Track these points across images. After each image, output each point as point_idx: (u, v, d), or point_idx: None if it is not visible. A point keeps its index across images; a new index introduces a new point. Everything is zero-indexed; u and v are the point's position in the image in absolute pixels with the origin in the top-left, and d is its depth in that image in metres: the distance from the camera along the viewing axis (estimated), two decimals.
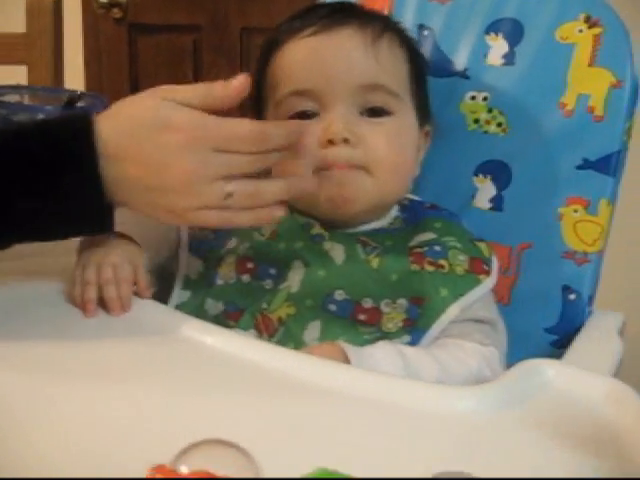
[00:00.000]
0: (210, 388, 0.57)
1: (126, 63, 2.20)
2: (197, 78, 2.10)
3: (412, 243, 0.74)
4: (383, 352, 0.64)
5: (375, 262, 0.71)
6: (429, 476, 0.44)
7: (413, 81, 0.78)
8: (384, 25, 0.77)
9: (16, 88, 0.92)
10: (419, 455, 0.50)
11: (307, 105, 0.73)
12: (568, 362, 0.71)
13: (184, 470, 0.39)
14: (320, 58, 0.73)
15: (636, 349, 0.97)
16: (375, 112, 0.73)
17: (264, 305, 0.71)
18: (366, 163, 0.71)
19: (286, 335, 0.69)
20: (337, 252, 0.72)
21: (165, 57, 2.14)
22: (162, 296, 0.75)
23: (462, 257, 0.73)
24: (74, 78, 2.21)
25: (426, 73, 0.83)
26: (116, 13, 2.17)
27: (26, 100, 0.92)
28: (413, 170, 0.79)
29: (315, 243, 0.73)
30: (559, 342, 0.83)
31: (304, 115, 0.73)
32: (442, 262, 0.72)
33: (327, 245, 0.72)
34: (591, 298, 0.85)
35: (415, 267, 0.71)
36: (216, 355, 0.61)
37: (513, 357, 0.73)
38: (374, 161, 0.72)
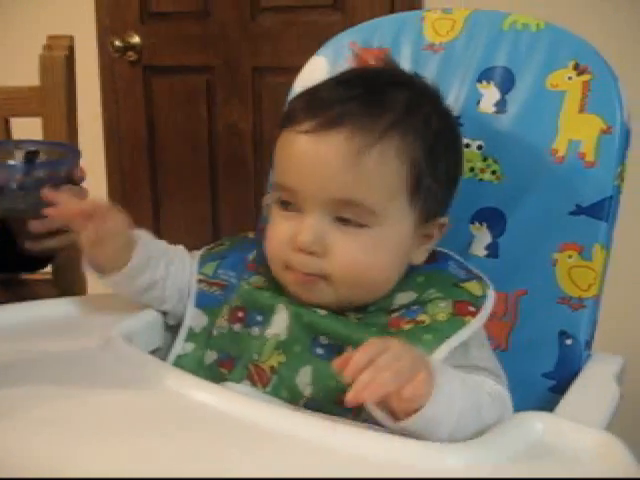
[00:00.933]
0: (204, 447, 0.58)
1: (142, 103, 2.25)
2: (211, 117, 2.14)
3: (393, 307, 0.75)
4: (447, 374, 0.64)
5: (354, 317, 0.74)
6: None
7: (420, 180, 0.74)
8: (389, 125, 0.72)
9: None
10: None
11: (292, 200, 0.75)
12: (562, 411, 0.72)
13: None
14: (304, 160, 0.73)
15: (637, 391, 0.97)
16: (348, 220, 0.72)
17: (255, 356, 0.73)
18: (328, 274, 0.73)
19: (279, 383, 0.71)
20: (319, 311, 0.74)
21: (179, 97, 2.19)
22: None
23: (443, 304, 0.73)
24: (92, 120, 2.27)
25: (454, 159, 0.80)
26: (131, 56, 2.22)
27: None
28: (394, 273, 0.76)
29: (299, 298, 0.75)
30: (557, 387, 0.84)
31: (287, 204, 0.75)
32: (421, 317, 0.72)
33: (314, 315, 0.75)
34: (588, 342, 0.85)
35: (392, 329, 0.72)
36: (209, 413, 0.63)
37: (514, 402, 0.74)
38: (336, 274, 0.72)
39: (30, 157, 0.83)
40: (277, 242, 0.75)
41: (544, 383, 0.85)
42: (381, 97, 0.74)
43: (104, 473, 0.54)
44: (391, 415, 0.61)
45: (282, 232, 0.75)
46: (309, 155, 0.72)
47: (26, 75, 1.45)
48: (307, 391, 0.70)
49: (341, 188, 0.71)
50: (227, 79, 2.09)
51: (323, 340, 0.73)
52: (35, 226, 0.85)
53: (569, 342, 0.85)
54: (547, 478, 0.58)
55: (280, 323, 0.74)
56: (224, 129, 2.12)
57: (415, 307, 0.74)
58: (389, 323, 0.73)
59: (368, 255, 0.73)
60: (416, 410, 0.59)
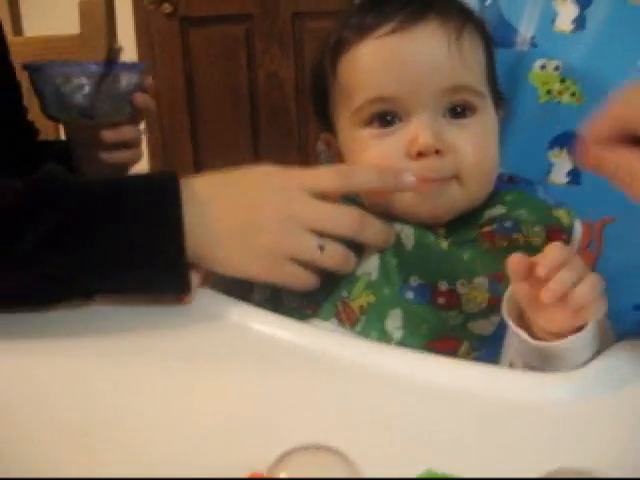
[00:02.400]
0: (296, 387, 0.56)
1: (179, 57, 2.21)
2: (250, 67, 2.09)
3: (482, 220, 0.71)
4: None
5: (445, 243, 0.69)
6: (543, 474, 0.41)
7: (490, 66, 0.75)
8: (465, 17, 0.73)
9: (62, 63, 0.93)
10: (522, 450, 0.49)
11: (388, 110, 0.70)
12: None
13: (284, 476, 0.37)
14: (402, 61, 0.69)
15: None
16: (458, 112, 0.70)
17: (344, 293, 0.69)
18: (458, 172, 0.69)
19: (368, 324, 0.68)
20: (407, 235, 0.70)
21: (218, 48, 2.14)
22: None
23: (537, 228, 0.69)
24: None
25: (494, 55, 0.79)
26: (167, 8, 2.18)
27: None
28: (498, 165, 0.75)
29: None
30: None
31: (384, 120, 0.70)
32: (516, 236, 0.69)
33: (398, 227, 0.70)
34: None
35: (487, 245, 0.68)
36: (300, 352, 0.60)
37: None
38: (466, 169, 0.69)
39: (112, 55, 0.82)
40: (387, 161, 0.69)
41: (636, 316, 0.81)
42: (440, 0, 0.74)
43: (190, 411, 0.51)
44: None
45: (388, 149, 0.69)
46: (407, 52, 0.69)
47: (66, 23, 1.42)
48: (397, 334, 0.67)
49: (450, 75, 0.69)
50: (266, 27, 2.05)
51: (413, 282, 0.68)
52: (108, 136, 0.85)
53: None
54: None
55: (371, 262, 0.69)
56: (265, 79, 2.08)
57: (508, 223, 0.70)
58: (482, 236, 0.69)
59: (486, 143, 0.72)
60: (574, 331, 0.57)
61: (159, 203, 0.63)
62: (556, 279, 0.55)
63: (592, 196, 0.83)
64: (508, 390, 0.55)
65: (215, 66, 2.15)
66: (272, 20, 2.02)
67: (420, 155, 0.68)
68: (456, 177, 0.69)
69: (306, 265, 0.66)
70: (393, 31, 0.69)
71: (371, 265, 0.69)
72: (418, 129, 0.68)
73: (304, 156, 1.93)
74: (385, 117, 0.70)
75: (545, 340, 0.58)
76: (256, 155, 2.15)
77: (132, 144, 0.90)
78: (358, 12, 0.75)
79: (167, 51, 2.23)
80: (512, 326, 0.59)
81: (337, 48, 0.74)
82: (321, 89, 0.78)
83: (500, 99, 0.78)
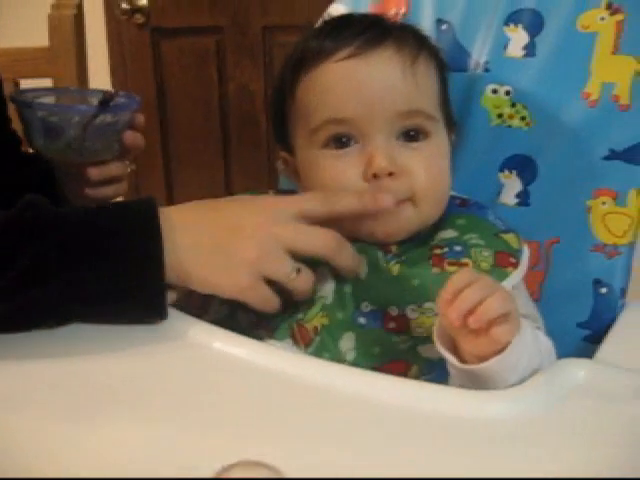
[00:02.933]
0: (251, 404, 0.57)
1: (151, 67, 2.22)
2: (221, 79, 2.11)
3: (433, 242, 0.73)
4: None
5: (395, 269, 0.71)
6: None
7: (443, 93, 0.77)
8: (420, 43, 0.75)
9: (51, 90, 0.93)
10: (450, 462, 0.50)
11: (344, 132, 0.72)
12: (600, 359, 0.70)
13: None
14: (358, 84, 0.71)
15: None
16: (412, 136, 0.72)
17: (300, 315, 0.70)
18: (411, 195, 0.71)
19: (322, 345, 0.69)
20: (361, 265, 0.71)
21: (189, 59, 2.15)
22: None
23: (486, 253, 0.71)
24: (100, 85, 2.23)
25: (448, 82, 0.81)
26: (138, 19, 2.18)
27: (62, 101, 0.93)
28: (449, 187, 0.77)
29: None
30: (592, 337, 0.82)
31: (340, 142, 0.72)
32: (465, 260, 0.70)
33: None
34: (623, 291, 0.83)
35: (436, 270, 0.70)
36: (252, 369, 0.61)
37: None
38: (418, 191, 0.71)
39: (106, 100, 0.81)
40: (342, 182, 0.71)
41: (578, 333, 0.84)
42: (390, 25, 0.77)
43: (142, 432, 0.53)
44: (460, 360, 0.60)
45: (344, 170, 0.71)
46: (363, 76, 0.71)
47: (35, 36, 1.42)
48: (350, 355, 0.68)
49: (404, 99, 0.71)
50: (237, 39, 2.06)
51: (365, 308, 0.70)
52: (93, 173, 0.84)
53: (604, 291, 0.83)
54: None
55: (327, 286, 0.71)
56: (235, 91, 2.09)
57: (458, 248, 0.71)
58: (432, 260, 0.70)
59: (438, 166, 0.74)
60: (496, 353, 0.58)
61: (139, 236, 0.64)
62: (460, 297, 0.56)
63: (540, 217, 0.87)
64: (451, 407, 0.57)
65: (186, 77, 2.16)
66: (243, 33, 2.04)
67: (375, 177, 0.70)
68: (410, 199, 0.71)
69: (274, 288, 0.67)
70: (351, 55, 0.71)
71: (327, 289, 0.71)
72: (373, 152, 0.70)
73: (273, 168, 1.95)
74: (341, 139, 0.72)
75: (473, 363, 0.59)
76: (226, 166, 2.16)
77: (118, 179, 0.89)
78: (318, 34, 0.77)
79: (138, 61, 2.23)
80: (441, 350, 0.60)
81: (296, 69, 0.76)
82: (280, 109, 0.79)
83: (453, 124, 0.80)
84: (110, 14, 2.21)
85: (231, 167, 2.16)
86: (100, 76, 2.23)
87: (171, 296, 0.69)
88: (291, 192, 0.81)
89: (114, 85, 2.28)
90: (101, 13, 2.24)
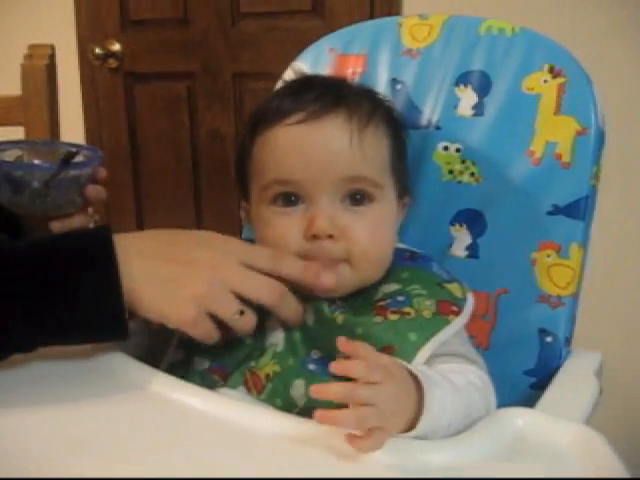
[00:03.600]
0: (203, 455, 0.59)
1: (123, 111, 2.26)
2: (193, 123, 2.15)
3: (377, 296, 0.76)
4: (440, 384, 0.65)
5: (340, 318, 0.73)
6: None
7: (394, 159, 0.80)
8: (372, 108, 0.78)
9: (16, 143, 0.95)
10: None
11: (291, 191, 0.75)
12: (542, 407, 0.74)
13: None
14: (306, 150, 0.74)
15: (615, 385, 0.99)
16: (357, 199, 0.75)
17: (252, 363, 0.74)
18: (348, 256, 0.74)
19: (273, 392, 0.71)
20: (308, 313, 0.75)
21: (161, 104, 2.19)
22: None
23: (428, 302, 0.74)
24: (74, 127, 2.27)
25: (406, 145, 0.85)
26: (112, 63, 2.22)
27: (26, 155, 0.95)
28: (392, 250, 0.79)
29: None
30: (538, 384, 0.86)
31: (288, 200, 0.75)
32: (407, 309, 0.73)
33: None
34: (568, 339, 0.87)
35: (378, 319, 0.73)
36: (206, 418, 0.64)
37: (496, 400, 0.75)
38: (356, 254, 0.74)
39: (68, 158, 0.84)
40: (285, 239, 0.75)
41: (525, 380, 0.87)
42: (348, 90, 0.80)
43: None
44: None
45: (288, 228, 0.75)
46: (312, 142, 0.74)
47: (8, 84, 1.45)
48: (301, 401, 0.70)
49: (349, 166, 0.74)
50: (208, 85, 2.10)
51: (314, 355, 0.73)
52: (56, 227, 0.85)
53: (549, 339, 0.87)
54: (527, 478, 0.59)
55: (278, 334, 0.75)
56: (206, 135, 2.13)
57: (401, 298, 0.74)
58: (375, 311, 0.73)
59: (380, 230, 0.76)
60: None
61: (96, 262, 0.67)
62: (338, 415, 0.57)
63: (488, 269, 0.90)
64: (393, 456, 0.59)
65: (158, 121, 2.20)
66: (214, 79, 2.08)
67: (315, 238, 0.73)
68: (347, 260, 0.74)
69: (219, 324, 0.70)
70: (302, 120, 0.74)
71: (278, 337, 0.74)
72: (315, 213, 0.73)
73: None
74: (290, 197, 0.76)
75: None
76: (197, 209, 2.19)
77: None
78: (278, 96, 0.81)
79: (111, 105, 2.27)
80: None
81: (254, 129, 0.80)
82: (241, 162, 0.83)
83: (406, 187, 0.84)
84: (84, 59, 2.25)
85: (202, 210, 2.18)
86: (73, 120, 2.27)
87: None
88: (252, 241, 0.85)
89: (87, 128, 2.32)
90: (75, 57, 2.28)
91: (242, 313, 0.69)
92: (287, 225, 0.75)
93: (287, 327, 0.75)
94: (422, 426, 0.61)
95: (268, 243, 0.76)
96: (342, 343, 0.60)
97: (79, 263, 0.67)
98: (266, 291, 0.70)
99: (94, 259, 0.67)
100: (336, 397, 0.57)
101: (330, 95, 0.77)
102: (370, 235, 0.75)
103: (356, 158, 0.74)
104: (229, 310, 0.69)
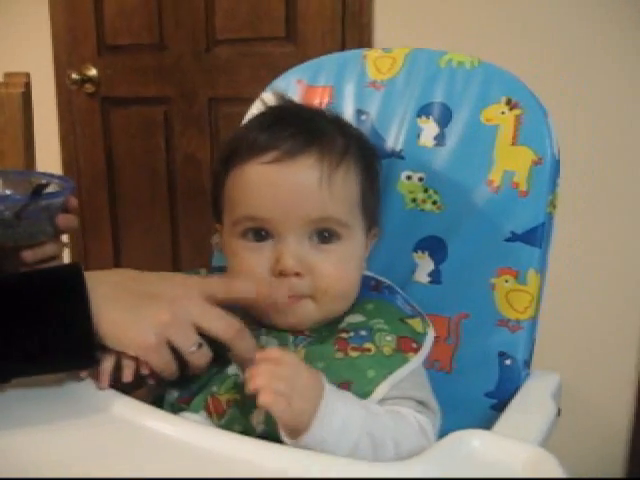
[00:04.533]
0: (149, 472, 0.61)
1: (100, 135, 2.28)
2: (169, 147, 2.17)
3: (341, 325, 0.78)
4: (349, 404, 0.68)
5: (302, 353, 0.76)
6: None
7: (366, 195, 0.81)
8: (345, 147, 0.79)
9: None
10: None
11: (261, 227, 0.77)
12: (499, 429, 0.76)
13: None
14: (276, 190, 0.76)
15: (573, 405, 1.02)
16: (324, 237, 0.77)
17: (214, 388, 0.76)
18: (313, 292, 0.77)
19: (233, 418, 0.73)
20: (271, 344, 0.77)
21: (137, 128, 2.22)
22: None
23: (389, 338, 0.76)
24: (50, 152, 2.29)
25: (378, 179, 0.86)
26: (88, 88, 2.25)
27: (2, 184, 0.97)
28: (358, 285, 0.81)
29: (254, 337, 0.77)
30: (498, 405, 0.88)
31: (259, 235, 0.78)
32: (368, 345, 0.75)
33: (263, 340, 0.78)
34: (527, 362, 0.90)
35: (340, 355, 0.75)
36: (168, 443, 0.66)
37: (457, 421, 0.77)
38: (321, 290, 0.76)
39: (39, 189, 0.85)
40: (251, 274, 0.77)
41: (486, 402, 0.90)
42: (320, 126, 0.81)
43: None
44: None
45: (256, 263, 0.77)
46: (282, 182, 0.76)
47: None
48: (259, 428, 0.72)
49: (318, 207, 0.76)
50: (184, 110, 2.13)
51: None
52: (27, 256, 0.87)
53: (508, 362, 0.89)
54: None
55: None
56: (182, 159, 2.16)
57: (363, 332, 0.77)
58: (336, 344, 0.76)
59: (345, 268, 0.78)
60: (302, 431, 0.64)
61: (66, 292, 0.69)
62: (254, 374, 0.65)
63: (450, 294, 0.93)
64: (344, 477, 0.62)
65: (135, 145, 2.22)
66: (190, 104, 2.11)
67: (281, 274, 0.76)
68: (311, 297, 0.77)
69: (176, 357, 0.72)
70: (276, 160, 0.76)
71: (237, 368, 0.77)
72: (283, 250, 0.75)
73: None
74: (260, 232, 0.78)
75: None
76: (173, 232, 2.21)
77: (53, 259, 0.92)
78: (254, 129, 0.81)
79: (88, 129, 2.29)
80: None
81: (228, 162, 0.81)
82: (216, 190, 0.85)
83: (375, 220, 0.85)
84: (61, 83, 2.28)
85: (178, 233, 2.20)
86: (50, 144, 2.29)
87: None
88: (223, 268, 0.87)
89: (64, 152, 2.34)
90: (52, 82, 2.31)
91: (200, 346, 0.72)
92: (255, 260, 0.77)
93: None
94: (316, 428, 0.64)
95: (237, 275, 0.79)
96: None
97: (49, 293, 0.70)
98: (223, 326, 0.73)
99: (64, 289, 0.70)
100: (258, 376, 0.64)
101: (304, 133, 0.78)
102: (336, 272, 0.77)
103: (325, 199, 0.76)
104: (188, 341, 0.71)
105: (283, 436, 0.66)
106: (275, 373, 0.64)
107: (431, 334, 0.80)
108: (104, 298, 0.71)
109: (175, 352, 0.72)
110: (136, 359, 0.72)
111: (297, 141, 0.77)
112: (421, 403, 0.75)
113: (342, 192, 0.77)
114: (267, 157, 0.76)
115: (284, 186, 0.76)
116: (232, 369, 0.77)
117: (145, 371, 0.72)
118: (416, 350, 0.76)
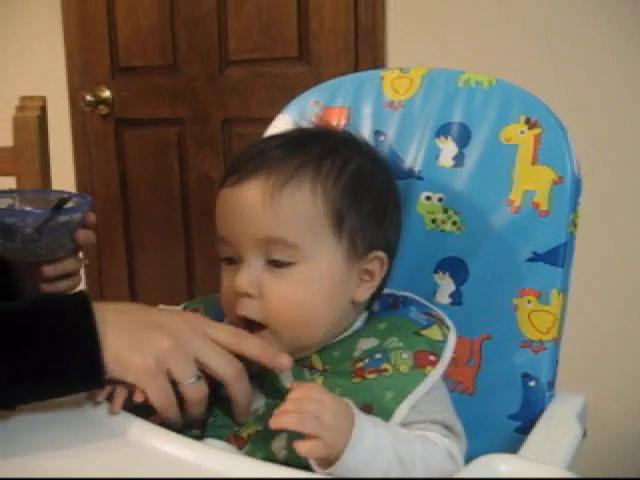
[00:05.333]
0: None
1: (114, 156, 2.29)
2: (182, 168, 2.18)
3: (356, 353, 0.77)
4: (379, 430, 0.68)
5: (319, 380, 0.76)
6: None
7: (342, 215, 0.77)
8: (299, 165, 0.77)
9: (7, 192, 0.97)
10: None
11: (231, 252, 0.78)
12: (525, 452, 0.76)
13: None
14: (229, 212, 0.77)
15: (599, 427, 1.01)
16: (277, 261, 0.76)
17: (235, 428, 0.75)
18: (264, 318, 0.76)
19: (255, 446, 0.73)
20: (287, 376, 0.77)
21: (151, 149, 2.23)
22: None
23: (405, 355, 0.75)
24: (65, 173, 2.30)
25: (382, 194, 0.82)
26: (102, 110, 2.26)
27: (17, 203, 0.97)
28: (334, 310, 0.78)
29: (269, 370, 0.77)
30: (523, 428, 0.87)
31: (232, 260, 0.78)
32: (385, 366, 0.74)
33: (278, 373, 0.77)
34: (550, 383, 0.89)
35: (357, 380, 0.74)
36: (196, 470, 0.65)
37: (481, 444, 0.77)
38: (271, 316, 0.76)
39: (60, 204, 0.86)
40: (225, 297, 0.79)
41: (510, 424, 0.89)
42: (298, 145, 0.80)
43: None
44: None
45: (225, 285, 0.79)
46: (233, 203, 0.77)
47: (0, 136, 1.48)
48: (281, 454, 0.72)
49: (262, 228, 0.75)
50: (197, 131, 2.14)
51: None
52: (48, 271, 0.88)
53: (532, 384, 0.88)
54: None
55: (258, 402, 0.77)
56: (196, 180, 2.16)
57: (378, 355, 0.76)
58: (354, 373, 0.75)
59: (300, 292, 0.76)
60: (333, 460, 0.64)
61: (74, 316, 0.70)
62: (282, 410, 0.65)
63: (472, 315, 0.92)
64: None
65: (148, 166, 2.23)
66: (203, 125, 2.12)
67: (238, 295, 0.76)
68: (266, 325, 0.76)
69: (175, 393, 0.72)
70: (234, 182, 0.77)
71: (258, 404, 0.77)
72: (238, 273, 0.76)
73: None
74: (230, 257, 0.78)
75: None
76: (187, 253, 2.21)
77: (72, 274, 0.93)
78: (244, 150, 0.83)
79: (102, 150, 2.31)
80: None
81: (219, 186, 0.82)
82: None
83: (371, 245, 0.80)
84: (75, 105, 2.29)
85: (192, 252, 2.21)
86: (64, 165, 2.30)
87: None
88: None
89: (78, 174, 2.35)
90: (66, 104, 2.32)
91: (198, 379, 0.72)
92: (226, 283, 0.79)
93: (267, 393, 0.77)
94: (348, 457, 0.64)
95: (221, 301, 0.81)
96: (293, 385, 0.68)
97: (57, 317, 0.70)
98: (227, 366, 0.73)
99: (72, 313, 0.71)
100: (288, 410, 0.65)
101: (268, 154, 0.78)
102: (288, 296, 0.76)
103: (268, 220, 0.75)
104: (187, 372, 0.71)
105: (314, 466, 0.65)
106: (304, 410, 0.64)
107: (452, 339, 0.79)
108: (109, 323, 0.71)
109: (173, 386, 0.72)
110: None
111: (251, 164, 0.78)
112: (446, 427, 0.74)
113: (290, 212, 0.75)
114: (230, 180, 0.78)
115: (234, 208, 0.77)
116: (256, 404, 0.76)
117: (139, 399, 0.71)
118: (434, 363, 0.75)
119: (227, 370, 0.73)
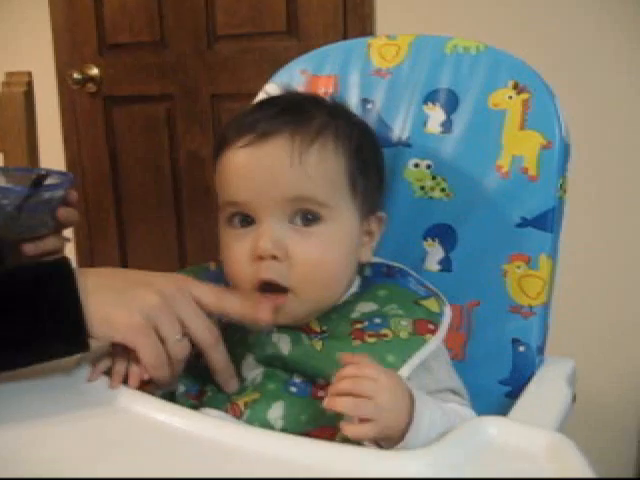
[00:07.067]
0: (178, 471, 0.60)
1: (103, 134, 2.27)
2: (172, 145, 2.17)
3: (354, 315, 0.77)
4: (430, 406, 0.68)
5: (319, 345, 0.75)
6: None
7: (355, 176, 0.78)
8: (322, 126, 0.77)
9: None
10: None
11: (243, 212, 0.76)
12: (515, 415, 0.75)
13: None
14: (248, 172, 0.75)
15: (588, 391, 1.02)
16: (308, 220, 0.75)
17: (233, 397, 0.75)
18: (290, 282, 0.74)
19: (252, 416, 0.72)
20: (284, 343, 0.76)
21: (140, 126, 2.21)
22: None
23: (404, 322, 0.75)
24: (54, 152, 2.28)
25: (378, 165, 0.84)
26: (91, 87, 2.24)
27: (1, 181, 0.96)
28: (350, 270, 0.80)
29: (264, 335, 0.77)
30: (513, 393, 0.88)
31: (245, 220, 0.76)
32: (384, 332, 0.74)
33: (275, 337, 0.77)
34: (540, 348, 0.89)
35: (357, 342, 0.74)
36: (186, 438, 0.65)
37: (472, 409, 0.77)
38: (298, 276, 0.74)
39: (39, 180, 0.85)
40: (238, 265, 0.76)
41: (500, 389, 0.89)
42: (305, 108, 0.80)
43: None
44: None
45: (240, 253, 0.76)
46: (256, 163, 0.75)
47: None
48: (278, 424, 0.71)
49: (291, 186, 0.74)
50: (187, 107, 2.12)
51: (296, 378, 0.74)
52: (29, 249, 0.86)
53: (522, 349, 0.89)
54: (500, 478, 0.61)
55: (255, 371, 0.76)
56: (186, 156, 2.15)
57: (378, 320, 0.76)
58: (352, 335, 0.75)
59: (327, 251, 0.76)
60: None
61: (55, 279, 0.70)
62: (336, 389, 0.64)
63: (461, 282, 0.92)
64: (366, 466, 0.60)
65: (138, 144, 2.22)
66: (192, 101, 2.10)
67: (260, 259, 0.74)
68: (291, 289, 0.74)
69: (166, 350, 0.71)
70: (248, 144, 0.75)
71: (256, 372, 0.76)
72: (260, 234, 0.74)
73: None
74: (246, 218, 0.76)
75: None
76: (178, 228, 2.21)
77: (54, 252, 0.91)
78: (237, 117, 0.81)
79: (91, 129, 2.28)
80: None
81: (216, 151, 0.81)
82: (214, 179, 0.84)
83: (377, 202, 0.83)
84: (62, 83, 2.27)
85: (183, 230, 2.20)
86: (53, 144, 2.28)
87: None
88: None
89: (67, 152, 2.33)
90: (54, 83, 2.30)
91: (181, 338, 0.71)
92: (237, 248, 0.76)
93: (264, 363, 0.76)
94: (410, 437, 0.63)
95: (226, 266, 0.79)
96: (344, 357, 0.66)
97: (38, 282, 0.69)
98: (205, 332, 0.72)
99: (52, 277, 0.70)
100: (342, 391, 0.63)
101: (280, 116, 0.77)
102: (315, 256, 0.75)
103: (298, 178, 0.74)
104: (173, 329, 0.71)
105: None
106: (360, 391, 0.63)
107: (448, 312, 0.79)
108: (93, 285, 0.70)
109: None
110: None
111: (270, 123, 0.76)
112: (457, 393, 0.75)
113: (318, 170, 0.75)
114: (243, 141, 0.76)
115: (257, 168, 0.75)
116: (249, 378, 0.76)
117: (146, 375, 0.71)
118: (433, 331, 0.76)
119: (205, 337, 0.72)
